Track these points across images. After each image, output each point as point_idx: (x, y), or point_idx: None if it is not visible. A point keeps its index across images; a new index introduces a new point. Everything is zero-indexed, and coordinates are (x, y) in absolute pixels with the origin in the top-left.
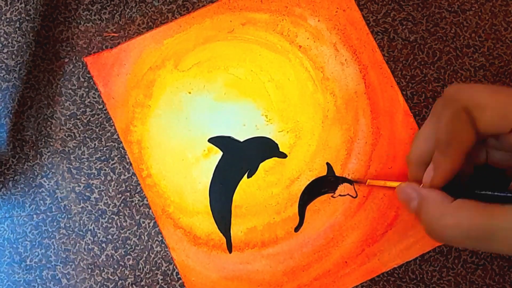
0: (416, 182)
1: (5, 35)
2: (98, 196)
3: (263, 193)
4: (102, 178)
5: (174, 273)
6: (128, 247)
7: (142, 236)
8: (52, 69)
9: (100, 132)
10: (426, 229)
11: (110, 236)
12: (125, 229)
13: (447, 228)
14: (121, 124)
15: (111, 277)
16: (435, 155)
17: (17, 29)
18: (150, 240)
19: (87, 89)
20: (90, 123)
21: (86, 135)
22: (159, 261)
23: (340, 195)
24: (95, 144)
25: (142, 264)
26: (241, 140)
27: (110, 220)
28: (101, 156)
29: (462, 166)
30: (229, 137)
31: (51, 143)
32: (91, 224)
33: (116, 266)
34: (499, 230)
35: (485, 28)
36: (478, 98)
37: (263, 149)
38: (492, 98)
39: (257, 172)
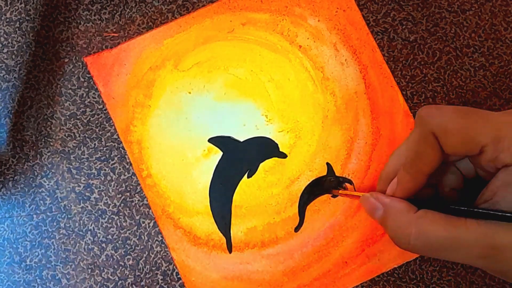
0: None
1: (5, 35)
2: (98, 196)
3: (263, 193)
4: (102, 178)
5: (174, 273)
6: (128, 247)
7: (142, 236)
8: (52, 69)
9: (100, 132)
10: (391, 238)
11: (110, 236)
12: (125, 229)
13: (410, 237)
14: (121, 124)
15: (111, 277)
16: (400, 170)
17: (17, 29)
18: (150, 240)
19: (87, 89)
20: (90, 123)
21: (86, 135)
22: (159, 261)
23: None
24: (95, 144)
25: (142, 264)
26: (241, 140)
27: (110, 220)
28: (101, 156)
29: (423, 184)
30: (229, 137)
31: (51, 143)
32: (91, 224)
33: (116, 266)
34: (459, 241)
35: (485, 28)
36: (445, 123)
37: (263, 149)
38: (458, 123)
39: (257, 172)
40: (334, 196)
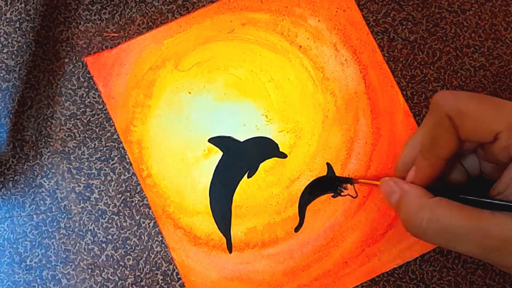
0: None
1: (5, 35)
2: (98, 196)
3: (263, 193)
4: (102, 178)
5: (174, 273)
6: (128, 247)
7: (142, 236)
8: (52, 69)
9: (100, 132)
10: (403, 222)
11: (110, 236)
12: (125, 229)
13: (423, 221)
14: (121, 124)
15: (111, 277)
16: (418, 157)
17: (17, 29)
18: (150, 240)
19: (87, 89)
20: (90, 123)
21: (86, 135)
22: (159, 261)
23: (340, 195)
24: (95, 144)
25: (142, 264)
26: (241, 140)
27: (110, 220)
28: (101, 156)
29: (441, 170)
30: (229, 137)
31: (51, 143)
32: (91, 224)
33: (116, 266)
34: (472, 231)
35: (485, 28)
36: (460, 105)
37: (263, 149)
38: (474, 107)
39: (257, 172)
40: (334, 196)
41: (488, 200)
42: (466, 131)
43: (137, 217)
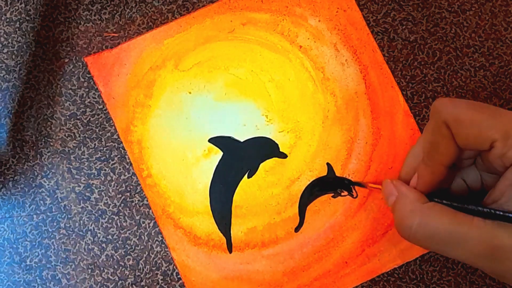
0: None
1: (5, 35)
2: (98, 196)
3: (264, 193)
4: (102, 178)
5: (174, 273)
6: (128, 247)
7: (142, 236)
8: (52, 69)
9: (100, 132)
10: (395, 225)
11: (110, 236)
12: (125, 229)
13: (414, 225)
14: (121, 124)
15: (111, 277)
16: (420, 164)
17: (17, 29)
18: (150, 240)
19: (87, 89)
20: (90, 123)
21: (86, 135)
22: (159, 261)
23: (340, 195)
24: (95, 144)
25: (142, 264)
26: (241, 140)
27: (110, 220)
28: (101, 156)
29: (442, 178)
30: (229, 137)
31: (51, 143)
32: (91, 224)
33: (116, 266)
34: (461, 237)
35: (485, 28)
36: (457, 113)
37: (263, 149)
38: (470, 115)
39: (257, 172)
40: (334, 196)
41: (479, 209)
42: (463, 138)
43: (137, 217)
